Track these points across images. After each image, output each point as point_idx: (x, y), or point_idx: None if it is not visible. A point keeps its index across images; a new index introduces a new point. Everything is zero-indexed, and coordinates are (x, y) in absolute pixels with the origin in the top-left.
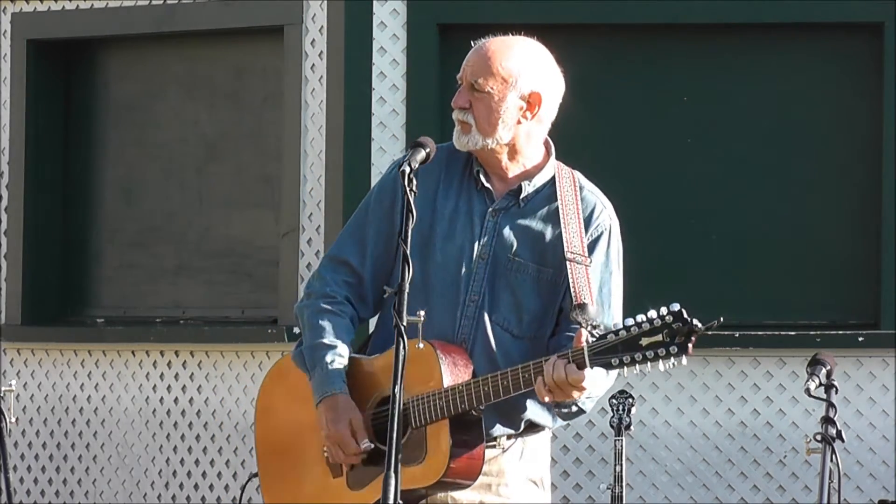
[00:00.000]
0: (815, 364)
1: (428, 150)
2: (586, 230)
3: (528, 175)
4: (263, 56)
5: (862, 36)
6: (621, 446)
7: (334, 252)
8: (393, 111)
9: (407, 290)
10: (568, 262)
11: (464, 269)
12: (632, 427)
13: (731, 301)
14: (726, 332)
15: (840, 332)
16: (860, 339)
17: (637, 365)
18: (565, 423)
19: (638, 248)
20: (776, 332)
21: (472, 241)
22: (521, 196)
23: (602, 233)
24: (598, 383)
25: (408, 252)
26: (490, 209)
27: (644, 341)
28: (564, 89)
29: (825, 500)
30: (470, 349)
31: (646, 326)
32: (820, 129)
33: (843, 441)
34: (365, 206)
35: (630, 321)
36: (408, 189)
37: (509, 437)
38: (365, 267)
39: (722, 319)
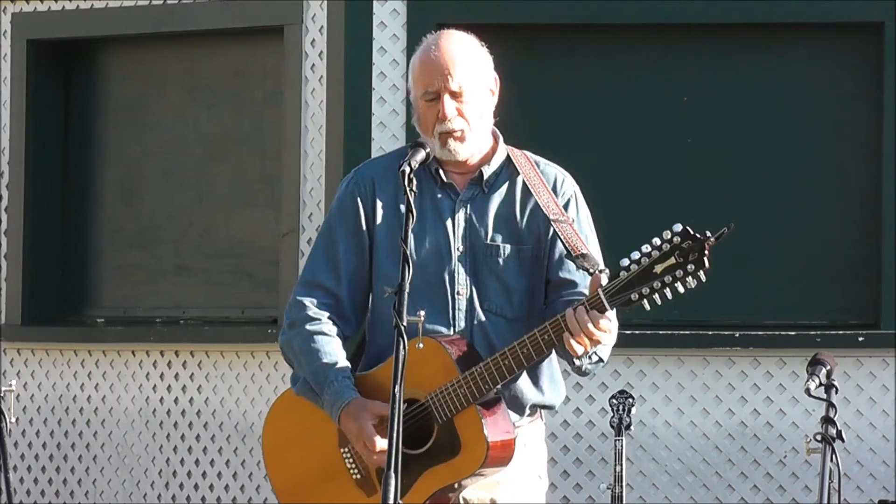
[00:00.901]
0: (815, 364)
1: (428, 150)
2: (556, 198)
3: (485, 160)
4: (263, 56)
5: (862, 36)
6: (621, 446)
7: (307, 276)
8: (393, 111)
9: (407, 290)
10: (554, 224)
11: (445, 267)
12: (632, 427)
13: (731, 301)
14: (726, 332)
15: (840, 332)
16: (860, 339)
17: (656, 294)
18: (587, 375)
19: (638, 248)
20: (776, 332)
21: (447, 236)
22: (484, 181)
23: (569, 199)
24: (614, 327)
25: (409, 252)
26: (458, 201)
27: (658, 268)
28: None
29: (825, 500)
30: (469, 342)
31: (655, 254)
32: (820, 129)
33: (843, 441)
34: (328, 226)
35: (636, 254)
36: (408, 189)
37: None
38: (340, 286)
39: (733, 225)
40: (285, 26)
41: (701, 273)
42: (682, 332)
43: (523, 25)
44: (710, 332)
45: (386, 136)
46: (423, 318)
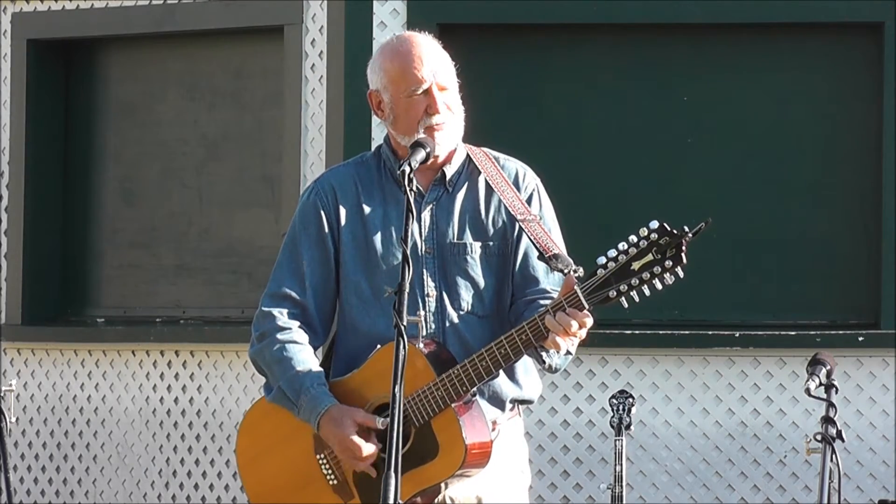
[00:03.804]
0: (815, 364)
1: (428, 149)
2: (519, 193)
3: (447, 160)
4: (263, 56)
5: (862, 36)
6: (621, 446)
7: (273, 289)
8: None
9: (407, 290)
10: (521, 223)
11: (413, 269)
12: (632, 427)
13: (731, 301)
14: (726, 332)
15: (840, 332)
16: (860, 339)
17: (634, 291)
18: (555, 372)
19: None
20: (776, 332)
21: (413, 239)
22: (447, 180)
23: (532, 192)
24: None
25: (407, 251)
26: (423, 202)
27: (635, 265)
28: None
29: (825, 500)
30: (443, 342)
31: (632, 251)
32: (820, 129)
33: (843, 441)
34: (291, 237)
35: (613, 251)
36: (407, 188)
37: (493, 425)
38: (306, 296)
39: (710, 220)
40: (285, 26)
41: (679, 269)
42: (682, 332)
43: (523, 25)
44: (710, 332)
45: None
46: (422, 318)
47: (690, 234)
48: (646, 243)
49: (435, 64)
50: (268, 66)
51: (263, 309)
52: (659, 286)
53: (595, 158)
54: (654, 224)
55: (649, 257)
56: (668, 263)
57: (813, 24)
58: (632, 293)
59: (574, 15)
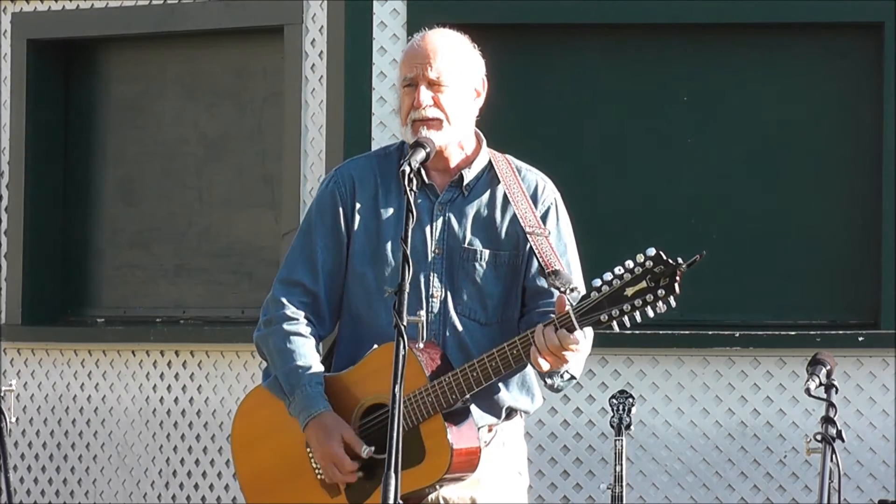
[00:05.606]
0: (815, 364)
1: (428, 150)
2: (535, 206)
3: (466, 162)
4: (263, 56)
5: (862, 36)
6: (621, 446)
7: (285, 274)
8: (393, 111)
9: (407, 290)
10: (529, 236)
11: (420, 269)
12: (632, 427)
13: (731, 301)
14: (726, 332)
15: (840, 332)
16: (860, 339)
17: (625, 316)
18: (559, 392)
19: (638, 248)
20: (776, 332)
21: (423, 239)
22: (464, 184)
23: (549, 207)
24: (585, 345)
25: (408, 252)
26: (437, 203)
27: (629, 291)
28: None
29: (825, 500)
30: (441, 345)
31: (627, 276)
32: (820, 129)
33: (843, 441)
34: (307, 225)
35: (609, 275)
36: (408, 189)
37: (489, 428)
38: (318, 285)
39: (705, 252)
40: (285, 26)
41: (671, 299)
42: (682, 332)
43: (523, 25)
44: (710, 332)
45: (386, 136)
46: (422, 319)
47: (685, 266)
48: (641, 270)
49: (433, 58)
50: (268, 66)
51: (274, 294)
52: (651, 314)
53: (595, 158)
54: (651, 251)
55: (643, 284)
56: (661, 293)
57: (813, 24)
58: (623, 318)
59: (574, 15)
